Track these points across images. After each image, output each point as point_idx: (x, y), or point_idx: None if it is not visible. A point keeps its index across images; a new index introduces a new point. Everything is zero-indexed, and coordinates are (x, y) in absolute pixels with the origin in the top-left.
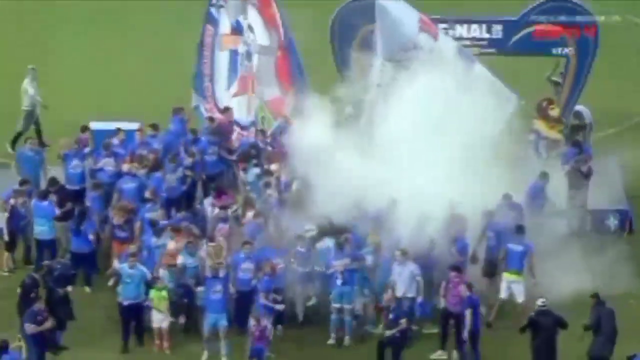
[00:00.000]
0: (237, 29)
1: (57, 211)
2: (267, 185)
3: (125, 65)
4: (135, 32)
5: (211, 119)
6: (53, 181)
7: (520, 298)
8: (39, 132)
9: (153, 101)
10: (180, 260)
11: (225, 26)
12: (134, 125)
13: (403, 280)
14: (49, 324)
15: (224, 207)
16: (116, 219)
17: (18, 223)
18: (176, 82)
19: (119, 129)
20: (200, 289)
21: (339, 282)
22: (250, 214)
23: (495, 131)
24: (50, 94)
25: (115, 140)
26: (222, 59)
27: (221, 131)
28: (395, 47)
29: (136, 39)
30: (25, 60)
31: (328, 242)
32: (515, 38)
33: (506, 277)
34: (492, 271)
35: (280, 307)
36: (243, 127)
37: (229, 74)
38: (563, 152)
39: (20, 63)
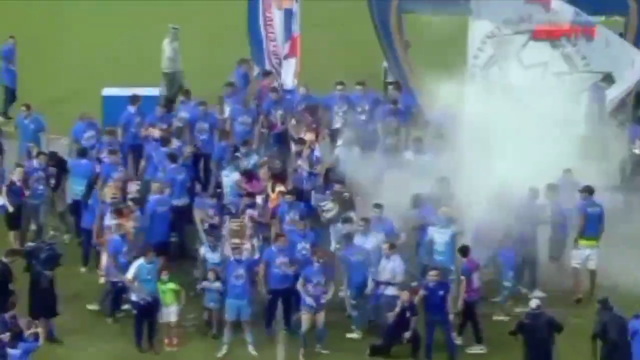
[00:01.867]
0: None
1: (98, 169)
2: (298, 155)
3: (140, 29)
4: None
5: (274, 90)
6: (53, 155)
7: (593, 265)
8: (173, 98)
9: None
10: (202, 251)
11: None
12: (154, 92)
13: (385, 276)
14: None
15: (250, 195)
16: (109, 195)
17: (19, 200)
18: (193, 45)
19: (135, 96)
20: (206, 283)
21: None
22: (279, 188)
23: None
24: (61, 60)
25: (131, 109)
26: (278, 18)
27: (260, 98)
28: (499, 22)
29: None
30: (36, 27)
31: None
32: None
33: (583, 245)
34: (559, 252)
35: (309, 300)
36: (286, 92)
37: (283, 34)
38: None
39: (31, 31)
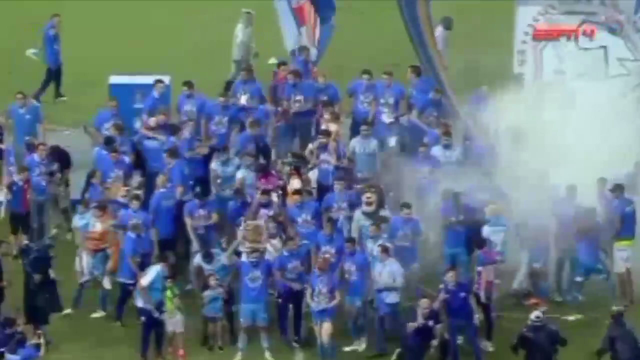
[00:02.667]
0: None
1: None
2: (322, 148)
3: (143, 19)
4: None
5: (294, 72)
6: (54, 149)
7: (629, 265)
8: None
9: (176, 53)
10: (196, 261)
11: None
12: (164, 79)
13: (383, 282)
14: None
15: (265, 192)
16: (119, 195)
17: (20, 204)
18: (200, 33)
19: (158, 81)
20: (210, 292)
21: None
22: (295, 182)
23: None
24: (67, 45)
25: (156, 94)
26: None
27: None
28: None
29: None
30: (39, 11)
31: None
32: None
33: (622, 247)
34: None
35: (315, 305)
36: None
37: (288, 5)
38: None
39: (34, 14)
